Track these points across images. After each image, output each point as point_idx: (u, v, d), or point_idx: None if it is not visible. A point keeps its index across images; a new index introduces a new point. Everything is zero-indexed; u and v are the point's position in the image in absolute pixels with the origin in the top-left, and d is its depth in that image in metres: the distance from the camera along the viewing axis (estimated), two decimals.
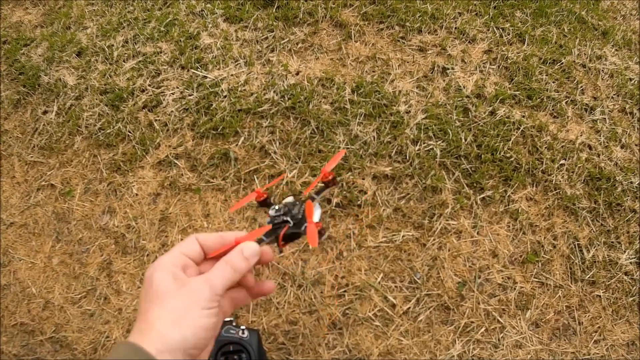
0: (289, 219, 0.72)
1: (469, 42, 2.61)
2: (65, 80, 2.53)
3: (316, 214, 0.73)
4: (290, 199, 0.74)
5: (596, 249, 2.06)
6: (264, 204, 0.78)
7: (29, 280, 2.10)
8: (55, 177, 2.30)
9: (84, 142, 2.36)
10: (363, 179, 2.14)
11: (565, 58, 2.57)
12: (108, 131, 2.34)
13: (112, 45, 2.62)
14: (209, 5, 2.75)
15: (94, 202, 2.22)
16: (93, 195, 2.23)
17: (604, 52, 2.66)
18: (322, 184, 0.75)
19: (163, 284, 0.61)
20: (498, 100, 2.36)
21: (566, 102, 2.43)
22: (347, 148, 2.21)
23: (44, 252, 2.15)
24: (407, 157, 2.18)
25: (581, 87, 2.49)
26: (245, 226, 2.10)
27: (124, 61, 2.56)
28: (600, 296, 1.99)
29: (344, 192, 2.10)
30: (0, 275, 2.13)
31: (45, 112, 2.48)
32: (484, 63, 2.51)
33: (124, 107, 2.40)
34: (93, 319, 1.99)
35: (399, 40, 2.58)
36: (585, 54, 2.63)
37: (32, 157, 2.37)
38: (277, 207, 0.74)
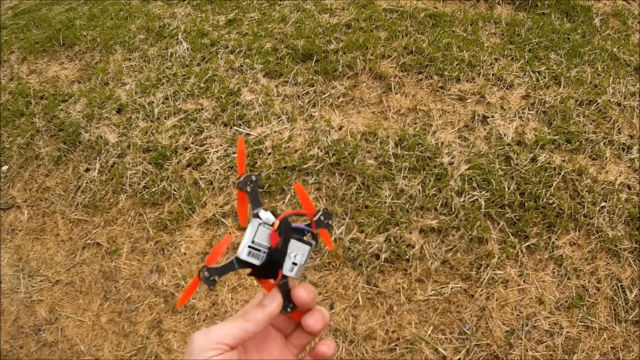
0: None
1: (507, 88, 2.62)
2: (106, 138, 2.56)
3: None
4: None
5: (639, 289, 2.05)
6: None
7: (77, 338, 2.10)
8: (100, 236, 2.31)
9: (129, 200, 2.37)
10: (410, 233, 2.14)
11: (600, 98, 2.57)
12: (153, 190, 2.36)
13: (153, 102, 2.66)
14: (247, 60, 2.78)
15: (141, 260, 2.23)
16: (140, 254, 2.24)
17: (638, 88, 2.67)
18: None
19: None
20: (538, 147, 2.37)
21: (604, 143, 2.43)
22: (394, 203, 2.21)
23: (92, 310, 2.16)
24: (453, 209, 2.18)
25: (617, 126, 2.49)
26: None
27: (165, 118, 2.59)
28: None
29: (392, 247, 2.10)
30: (48, 332, 2.14)
31: (87, 170, 2.50)
32: (522, 109, 2.52)
33: (167, 165, 2.42)
34: None
35: (438, 90, 2.60)
36: (619, 92, 2.64)
37: (76, 215, 2.39)
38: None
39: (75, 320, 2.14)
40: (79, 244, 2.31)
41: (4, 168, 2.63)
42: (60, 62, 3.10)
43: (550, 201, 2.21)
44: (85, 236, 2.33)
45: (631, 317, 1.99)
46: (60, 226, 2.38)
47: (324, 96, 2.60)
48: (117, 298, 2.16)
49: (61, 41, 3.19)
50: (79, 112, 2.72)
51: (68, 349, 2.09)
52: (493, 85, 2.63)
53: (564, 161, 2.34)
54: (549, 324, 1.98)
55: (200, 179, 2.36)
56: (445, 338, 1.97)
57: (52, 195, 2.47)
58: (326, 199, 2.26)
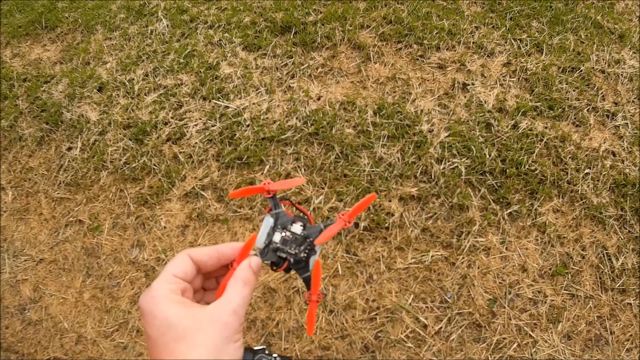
0: (291, 259, 0.65)
1: (488, 56, 2.60)
2: (87, 116, 2.55)
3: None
4: (298, 228, 0.66)
5: (625, 257, 2.03)
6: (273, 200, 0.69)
7: (61, 315, 2.11)
8: (82, 213, 2.31)
9: (110, 177, 2.37)
10: (390, 201, 2.13)
11: (584, 65, 2.55)
12: (133, 165, 2.35)
13: (133, 79, 2.65)
14: (226, 34, 2.77)
15: (122, 236, 2.23)
16: (121, 230, 2.24)
17: (622, 55, 2.64)
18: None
19: (178, 319, 0.54)
20: (520, 113, 2.35)
21: (587, 110, 2.41)
22: (373, 171, 2.20)
23: (75, 287, 2.16)
24: (433, 177, 2.17)
25: (602, 93, 2.47)
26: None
27: (145, 94, 2.58)
28: (631, 304, 1.96)
29: (372, 216, 2.09)
30: (32, 310, 2.14)
31: (69, 149, 2.50)
32: (503, 76, 2.50)
33: (148, 140, 2.41)
34: (126, 352, 2.00)
35: (417, 59, 2.59)
36: (603, 59, 2.61)
37: (58, 193, 2.38)
38: (284, 236, 0.66)
39: (59, 298, 2.15)
40: (62, 222, 2.31)
41: None
42: (42, 45, 3.09)
43: (533, 168, 2.19)
44: (67, 214, 2.33)
45: (617, 285, 1.98)
46: (43, 205, 2.38)
47: (302, 67, 2.58)
48: (99, 274, 2.17)
49: (44, 24, 3.18)
50: (60, 92, 2.71)
51: (52, 327, 2.09)
52: (474, 53, 2.61)
53: (546, 128, 2.33)
54: (533, 292, 1.98)
55: (180, 152, 2.36)
56: (427, 307, 1.96)
57: (35, 175, 2.47)
58: (305, 169, 2.25)
